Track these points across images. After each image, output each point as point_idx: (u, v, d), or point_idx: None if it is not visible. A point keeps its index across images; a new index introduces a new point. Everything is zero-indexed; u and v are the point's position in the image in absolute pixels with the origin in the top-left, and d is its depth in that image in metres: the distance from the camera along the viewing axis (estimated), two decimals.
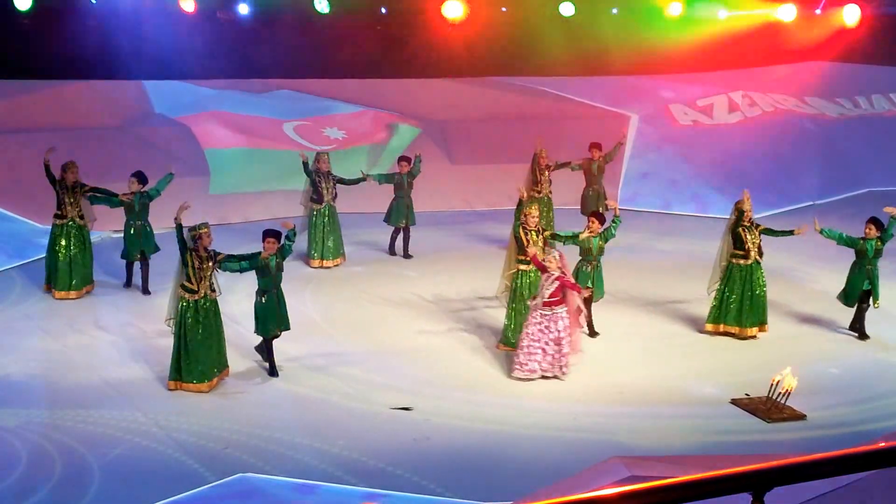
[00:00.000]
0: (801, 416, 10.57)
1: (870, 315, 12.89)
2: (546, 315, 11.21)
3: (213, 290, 10.74)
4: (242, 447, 9.58)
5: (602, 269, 12.54)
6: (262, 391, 10.94)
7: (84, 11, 18.69)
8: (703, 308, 13.12)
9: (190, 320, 10.60)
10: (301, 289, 13.81)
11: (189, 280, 10.61)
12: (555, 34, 21.68)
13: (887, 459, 2.94)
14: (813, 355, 12.31)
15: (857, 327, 12.96)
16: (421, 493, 8.88)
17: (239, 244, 13.39)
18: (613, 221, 12.35)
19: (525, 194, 12.99)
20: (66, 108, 18.18)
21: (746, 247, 12.61)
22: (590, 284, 12.29)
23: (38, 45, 18.34)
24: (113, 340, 12.01)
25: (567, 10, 21.82)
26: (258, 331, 11.24)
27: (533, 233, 12.05)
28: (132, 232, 13.63)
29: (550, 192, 15.99)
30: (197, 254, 10.61)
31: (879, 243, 12.77)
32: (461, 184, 19.48)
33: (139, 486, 8.89)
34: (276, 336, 11.28)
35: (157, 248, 13.78)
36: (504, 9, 22.04)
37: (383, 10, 20.86)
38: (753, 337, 12.69)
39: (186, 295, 10.61)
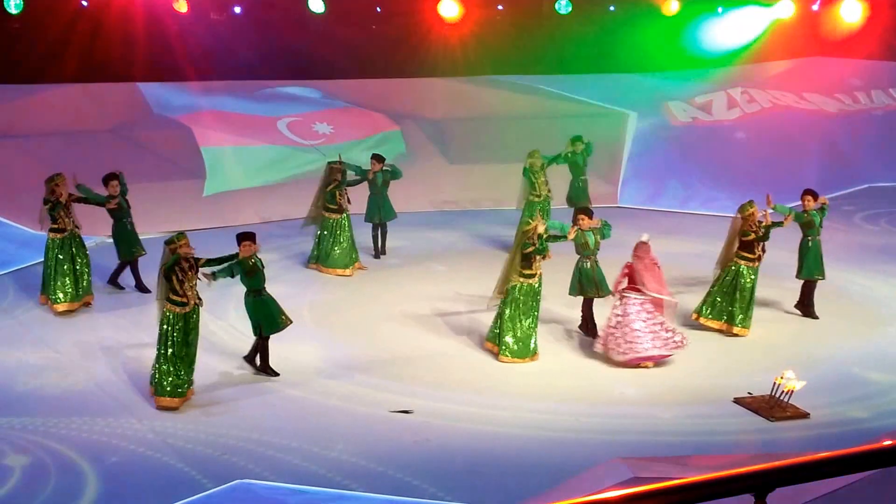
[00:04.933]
0: (805, 415, 10.47)
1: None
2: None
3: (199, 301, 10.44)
4: (240, 453, 9.49)
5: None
6: (259, 396, 10.83)
7: (76, 13, 18.59)
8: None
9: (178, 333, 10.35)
10: (300, 292, 13.71)
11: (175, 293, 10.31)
12: (552, 32, 21.65)
13: (890, 459, 2.89)
14: (817, 353, 12.22)
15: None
16: (422, 497, 8.79)
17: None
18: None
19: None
20: (58, 111, 18.06)
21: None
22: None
23: (30, 48, 18.23)
24: (107, 347, 11.90)
25: (564, 7, 21.76)
26: (266, 331, 11.13)
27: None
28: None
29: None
30: (180, 266, 10.29)
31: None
32: (459, 183, 19.39)
33: (136, 495, 8.84)
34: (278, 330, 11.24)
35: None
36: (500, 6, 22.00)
37: (378, 10, 20.80)
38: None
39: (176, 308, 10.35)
